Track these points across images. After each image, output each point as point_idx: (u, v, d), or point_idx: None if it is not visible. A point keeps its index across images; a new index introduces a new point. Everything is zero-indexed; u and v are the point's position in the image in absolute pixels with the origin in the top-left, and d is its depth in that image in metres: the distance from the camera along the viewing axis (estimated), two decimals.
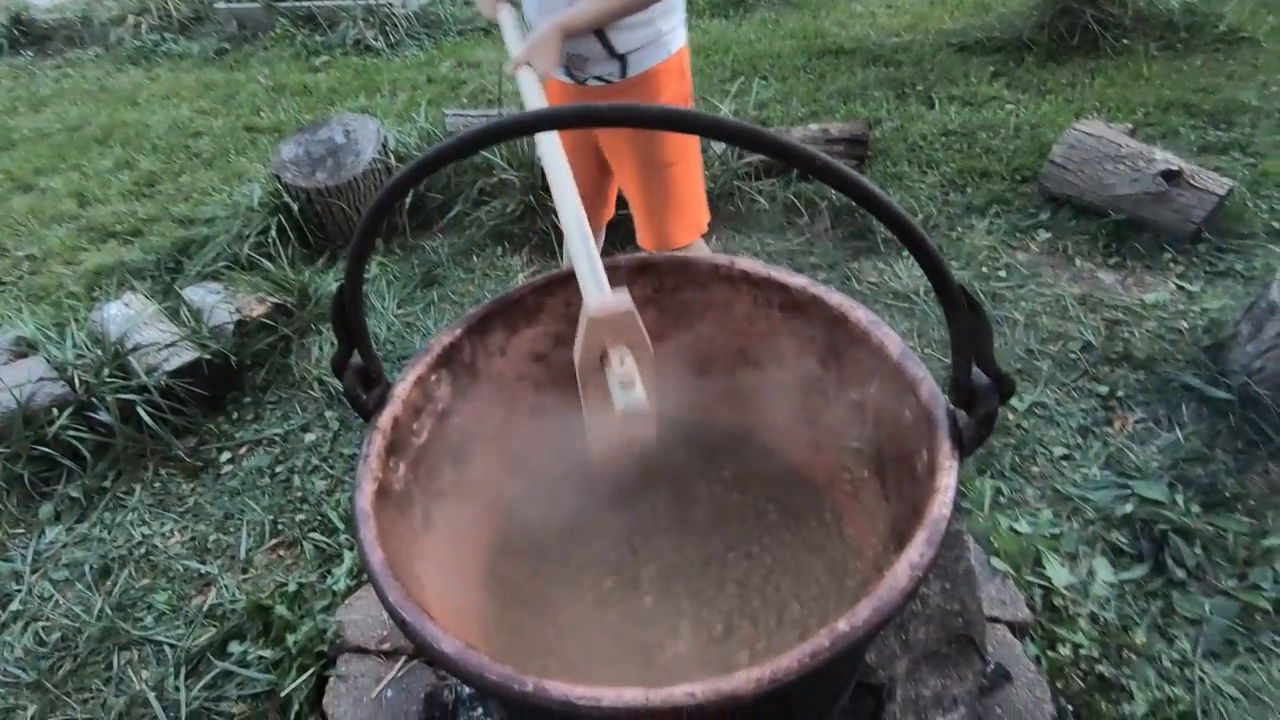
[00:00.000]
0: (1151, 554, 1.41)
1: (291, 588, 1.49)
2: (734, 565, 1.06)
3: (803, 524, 1.07)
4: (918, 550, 0.64)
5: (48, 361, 1.98)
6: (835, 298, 0.95)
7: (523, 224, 2.50)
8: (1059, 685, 1.18)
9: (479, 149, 0.60)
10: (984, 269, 2.17)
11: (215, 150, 3.51)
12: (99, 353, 2.00)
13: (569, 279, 1.08)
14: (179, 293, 2.31)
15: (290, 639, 1.35)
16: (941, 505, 0.68)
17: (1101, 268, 2.14)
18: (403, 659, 1.27)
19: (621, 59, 1.38)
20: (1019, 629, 1.19)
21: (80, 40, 5.10)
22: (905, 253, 2.26)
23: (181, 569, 1.63)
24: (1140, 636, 1.29)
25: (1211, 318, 1.81)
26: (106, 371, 1.92)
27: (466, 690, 1.26)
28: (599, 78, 1.42)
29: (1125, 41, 3.25)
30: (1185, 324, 1.87)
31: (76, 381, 1.92)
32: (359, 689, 1.23)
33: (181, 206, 3.04)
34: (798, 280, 0.99)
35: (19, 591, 1.62)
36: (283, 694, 1.28)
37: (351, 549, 1.57)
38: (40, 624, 1.55)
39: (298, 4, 4.78)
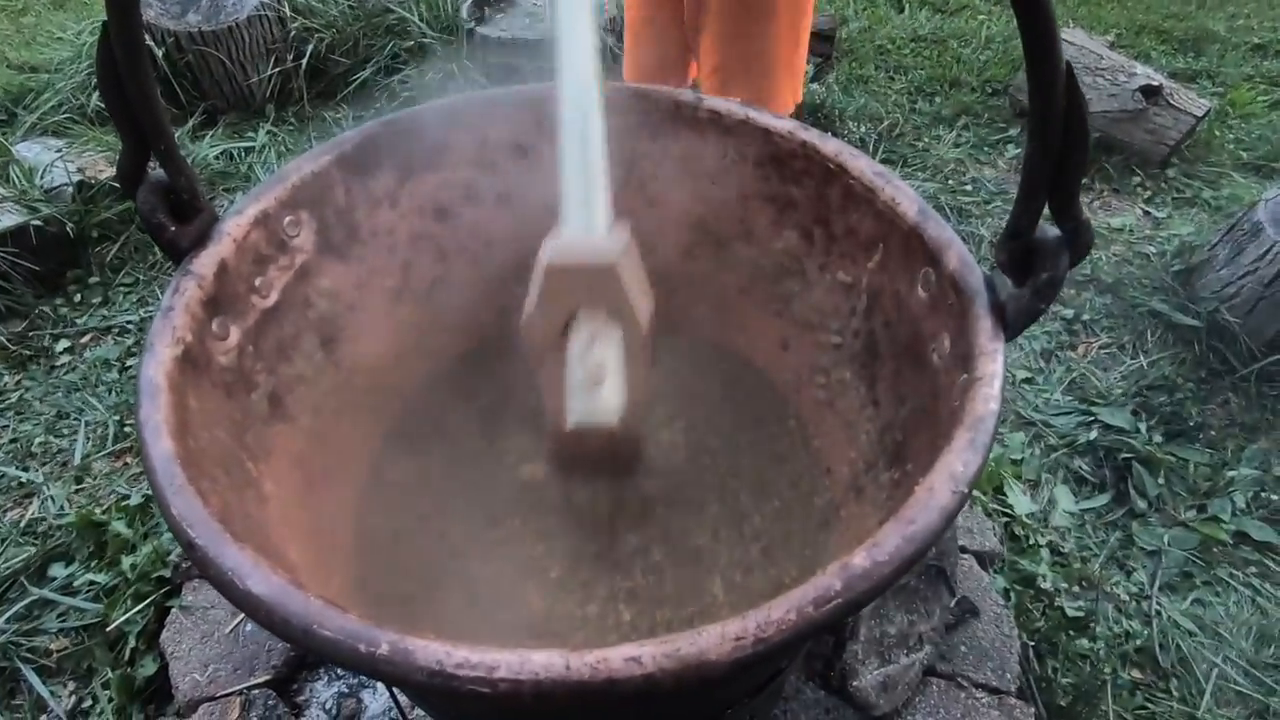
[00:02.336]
0: (1114, 483, 1.33)
1: (134, 500, 1.22)
2: (678, 478, 0.87)
3: (759, 430, 0.88)
4: (959, 458, 0.46)
5: None
6: (830, 145, 0.74)
7: (444, 96, 2.15)
8: (1022, 620, 1.08)
9: None
10: (950, 182, 2.00)
11: None
12: None
13: (486, 108, 0.82)
14: (8, 147, 1.88)
15: (126, 561, 1.10)
16: (987, 400, 0.49)
17: None
18: None
19: None
20: (987, 559, 1.07)
21: None
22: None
23: None
24: (1098, 568, 1.21)
25: (1183, 242, 1.72)
26: None
27: None
28: None
29: None
30: (1153, 249, 1.77)
31: None
32: (209, 622, 1.00)
33: (22, 52, 2.50)
34: (783, 124, 0.77)
35: None
36: (111, 627, 1.03)
37: None
38: None
39: None
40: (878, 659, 0.87)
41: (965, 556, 1.05)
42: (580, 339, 0.54)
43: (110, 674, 1.02)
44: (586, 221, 0.56)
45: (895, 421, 0.70)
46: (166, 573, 1.06)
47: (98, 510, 1.21)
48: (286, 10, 2.22)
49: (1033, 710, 0.92)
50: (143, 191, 0.57)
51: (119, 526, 1.16)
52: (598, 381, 0.51)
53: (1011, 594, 1.08)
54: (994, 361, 0.51)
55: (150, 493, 1.24)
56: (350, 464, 0.81)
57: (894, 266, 0.69)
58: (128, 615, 1.04)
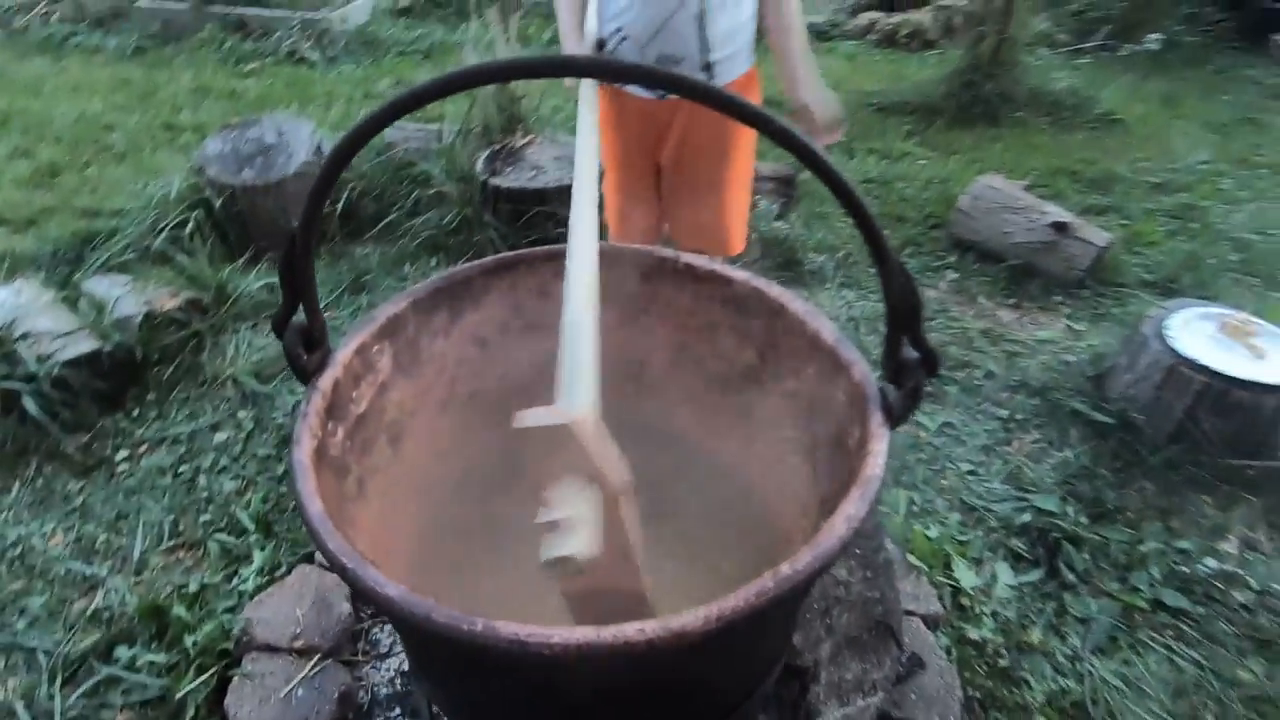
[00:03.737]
0: (1046, 560, 1.53)
1: (192, 588, 1.39)
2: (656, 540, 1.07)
3: (727, 509, 1.09)
4: (853, 505, 0.69)
5: None
6: (775, 290, 1.01)
7: (459, 236, 2.49)
8: (966, 676, 1.25)
9: (497, 80, 0.63)
10: None
11: (129, 145, 3.33)
12: None
13: (517, 263, 1.10)
14: (78, 283, 2.16)
15: (188, 639, 1.26)
16: (874, 466, 0.72)
17: (1001, 306, 2.33)
18: (316, 657, 1.20)
19: (709, 67, 1.40)
20: (931, 622, 1.26)
21: None
22: (828, 284, 2.39)
23: (63, 571, 1.49)
24: (1037, 634, 1.39)
25: (1096, 352, 2.00)
26: None
27: (383, 690, 1.21)
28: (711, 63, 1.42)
29: (1020, 114, 3.61)
30: (1073, 358, 2.06)
31: None
32: (266, 689, 1.16)
33: (86, 198, 2.85)
34: (739, 275, 1.04)
35: None
36: (178, 696, 1.18)
37: (263, 548, 1.48)
38: None
39: (230, 10, 4.66)
40: (837, 701, 1.04)
41: (912, 619, 1.24)
42: (557, 492, 0.63)
43: None
44: (570, 401, 0.68)
45: (829, 494, 0.92)
46: (229, 645, 1.22)
47: (158, 597, 1.38)
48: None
49: None
50: (289, 332, 0.82)
51: (179, 611, 1.33)
52: (570, 529, 0.60)
53: (954, 651, 1.26)
54: (880, 442, 0.75)
55: (206, 581, 1.42)
56: (403, 541, 1.01)
57: (823, 376, 0.94)
58: (192, 685, 1.19)
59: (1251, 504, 1.63)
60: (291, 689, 1.16)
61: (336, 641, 1.24)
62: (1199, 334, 1.70)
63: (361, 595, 0.61)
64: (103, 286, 2.15)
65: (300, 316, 0.82)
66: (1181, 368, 1.64)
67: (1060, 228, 2.31)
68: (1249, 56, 4.61)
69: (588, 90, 1.19)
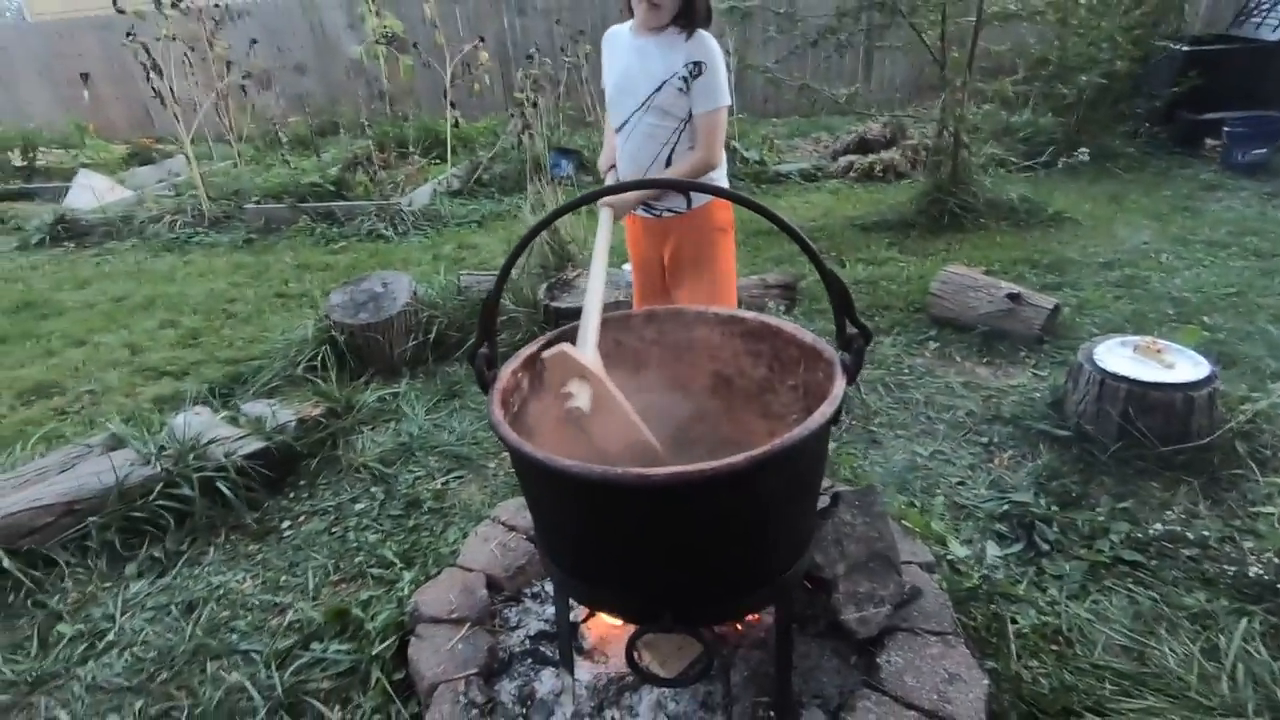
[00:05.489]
0: (1025, 537, 1.90)
1: (362, 598, 1.83)
2: None
3: None
4: (827, 405, 1.17)
5: (137, 452, 2.36)
6: (774, 320, 1.53)
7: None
8: (964, 615, 1.61)
9: (592, 201, 1.22)
10: (892, 369, 2.81)
11: (251, 311, 4.09)
12: (178, 444, 2.40)
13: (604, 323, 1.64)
14: (238, 405, 2.76)
15: (369, 625, 1.69)
16: (838, 388, 1.21)
17: (977, 365, 2.81)
18: (468, 624, 1.62)
19: (688, 196, 2.07)
20: (927, 567, 1.64)
21: (117, 234, 5.83)
22: None
23: (258, 602, 1.94)
24: (1021, 589, 1.75)
25: (1051, 385, 2.45)
26: (192, 456, 2.31)
27: (516, 648, 1.61)
28: (671, 210, 2.09)
29: (982, 220, 4.27)
30: (1039, 394, 2.50)
31: (162, 467, 2.31)
32: (435, 646, 1.57)
33: (226, 352, 3.55)
34: (749, 314, 1.58)
35: (111, 628, 1.89)
36: (369, 658, 1.60)
37: (409, 570, 1.92)
38: (134, 649, 1.82)
39: (319, 205, 5.69)
40: (854, 607, 1.43)
41: (910, 565, 1.63)
42: (571, 385, 1.27)
43: (374, 681, 1.56)
44: (582, 345, 1.33)
45: None
46: (404, 619, 1.65)
47: (339, 606, 1.82)
48: (419, 305, 3.27)
49: (963, 641, 1.44)
50: (478, 359, 1.35)
51: (357, 612, 1.76)
52: (574, 397, 1.23)
53: (948, 588, 1.63)
54: (840, 384, 1.24)
55: (371, 595, 1.86)
56: None
57: (811, 368, 1.44)
58: (378, 650, 1.61)
59: (1190, 484, 2.01)
60: (453, 644, 1.57)
61: (480, 615, 1.66)
62: (1120, 356, 2.16)
63: (558, 477, 1.09)
64: (257, 407, 2.74)
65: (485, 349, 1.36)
66: (1109, 381, 2.09)
67: (1014, 297, 2.84)
68: (1185, 158, 5.35)
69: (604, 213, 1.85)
